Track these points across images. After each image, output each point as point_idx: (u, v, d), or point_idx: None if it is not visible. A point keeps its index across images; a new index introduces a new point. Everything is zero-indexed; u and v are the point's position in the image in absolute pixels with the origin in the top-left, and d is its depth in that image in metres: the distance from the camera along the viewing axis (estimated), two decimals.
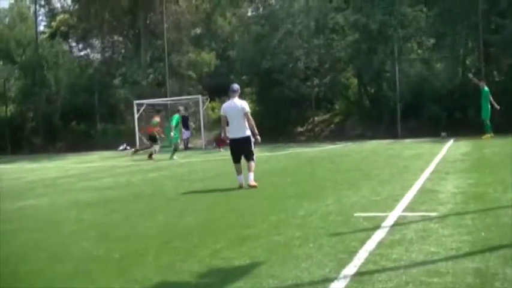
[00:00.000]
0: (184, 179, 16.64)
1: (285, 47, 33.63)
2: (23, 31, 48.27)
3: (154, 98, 35.75)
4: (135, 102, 34.61)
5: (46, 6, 51.85)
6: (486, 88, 25.44)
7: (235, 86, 13.61)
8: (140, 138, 34.18)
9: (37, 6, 47.76)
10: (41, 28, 49.39)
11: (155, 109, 31.17)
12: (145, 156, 25.54)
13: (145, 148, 27.39)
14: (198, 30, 45.38)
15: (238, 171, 13.16)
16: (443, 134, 26.32)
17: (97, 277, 6.41)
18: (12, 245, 8.54)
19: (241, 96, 13.65)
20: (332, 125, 33.97)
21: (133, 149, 28.79)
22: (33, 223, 10.42)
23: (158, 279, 6.13)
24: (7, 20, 53.97)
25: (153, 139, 25.59)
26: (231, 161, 13.52)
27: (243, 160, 13.26)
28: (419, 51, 31.70)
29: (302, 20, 33.82)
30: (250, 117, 13.21)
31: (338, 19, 32.75)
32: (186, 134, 32.39)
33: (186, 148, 32.14)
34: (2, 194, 15.90)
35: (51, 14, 51.08)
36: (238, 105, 13.16)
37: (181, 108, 27.63)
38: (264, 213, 9.62)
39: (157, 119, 26.55)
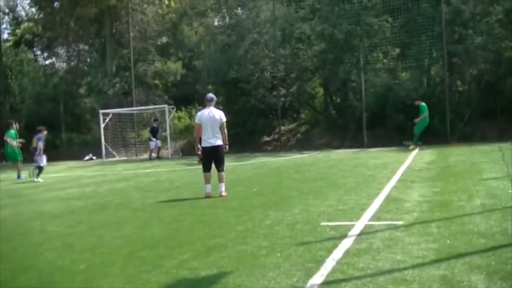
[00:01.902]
0: (150, 189, 16.54)
1: (252, 56, 33.65)
2: None
3: (121, 107, 35.55)
4: (101, 111, 34.38)
5: (10, 13, 51.41)
6: (423, 103, 26.01)
7: (211, 96, 13.64)
8: (106, 148, 33.96)
9: (0, 14, 47.27)
10: (5, 36, 48.90)
11: None
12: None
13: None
14: (165, 40, 45.30)
15: (207, 181, 13.13)
16: (406, 143, 26.55)
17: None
18: None
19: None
20: (298, 135, 34.02)
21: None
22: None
23: None
24: None
25: None
26: (201, 170, 13.49)
27: (212, 170, 13.22)
28: (385, 60, 31.94)
29: (268, 30, 33.91)
30: (224, 127, 13.22)
31: (304, 29, 32.84)
32: (154, 143, 32.29)
33: (158, 157, 32.01)
34: None
35: (16, 21, 50.63)
36: (214, 115, 13.16)
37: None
38: (231, 223, 9.60)
39: None
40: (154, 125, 33.02)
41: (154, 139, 32.30)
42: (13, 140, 23.51)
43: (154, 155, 32.50)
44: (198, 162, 25.36)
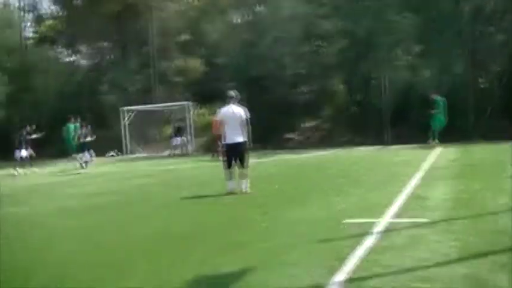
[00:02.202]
0: (173, 185, 16.61)
1: (273, 53, 33.58)
2: (9, 37, 47.91)
3: (143, 104, 35.65)
4: (123, 108, 34.51)
5: (33, 12, 51.65)
6: (438, 98, 25.56)
7: (232, 92, 13.62)
8: (131, 144, 34.15)
9: (23, 12, 47.55)
10: (28, 34, 49.13)
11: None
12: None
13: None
14: (186, 37, 45.32)
15: (229, 177, 13.13)
16: (429, 141, 26.36)
17: (81, 282, 6.40)
18: None
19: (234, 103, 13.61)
20: (320, 132, 33.91)
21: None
22: (15, 231, 10.32)
23: (147, 286, 6.11)
24: None
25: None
26: (222, 166, 13.50)
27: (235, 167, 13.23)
28: (407, 57, 31.74)
29: (290, 27, 33.82)
30: (248, 124, 13.22)
31: (325, 26, 32.73)
32: (178, 140, 32.53)
33: (182, 155, 32.11)
34: None
35: (38, 19, 50.86)
36: (236, 112, 13.17)
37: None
38: (253, 219, 9.60)
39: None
40: (181, 124, 33.23)
41: (177, 137, 32.54)
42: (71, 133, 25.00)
43: (177, 151, 32.65)
44: (212, 158, 25.62)
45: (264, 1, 35.71)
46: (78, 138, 24.97)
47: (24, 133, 27.71)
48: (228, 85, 31.15)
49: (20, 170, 26.00)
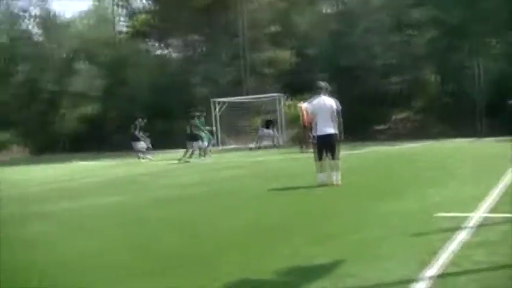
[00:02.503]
0: (264, 176, 16.75)
1: (363, 43, 33.30)
2: (104, 32, 49.28)
3: (233, 96, 35.99)
4: (214, 100, 34.97)
5: (126, 7, 52.92)
6: None
7: (322, 84, 13.60)
8: (222, 135, 34.61)
9: (117, 7, 48.77)
10: (122, 28, 50.39)
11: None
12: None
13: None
14: (276, 28, 45.42)
15: (320, 169, 13.13)
16: None
17: (178, 274, 6.55)
18: (97, 240, 8.79)
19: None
20: (411, 123, 33.44)
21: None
22: (116, 219, 10.70)
23: (238, 276, 6.19)
24: (88, 21, 55.23)
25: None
26: (313, 158, 13.51)
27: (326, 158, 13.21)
28: (501, 46, 30.86)
29: (380, 16, 33.44)
30: (339, 116, 13.18)
31: (416, 15, 32.20)
32: (265, 132, 32.79)
33: (275, 146, 32.32)
34: (86, 190, 16.39)
35: (131, 14, 52.08)
36: (326, 103, 13.13)
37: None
38: (344, 211, 9.63)
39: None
40: (270, 117, 33.43)
41: (265, 129, 32.81)
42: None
43: (264, 143, 32.88)
44: (301, 150, 25.64)
45: None
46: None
47: (138, 125, 29.17)
48: (318, 76, 31.14)
49: (144, 158, 28.16)
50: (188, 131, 25.91)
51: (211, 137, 28.02)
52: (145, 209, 11.64)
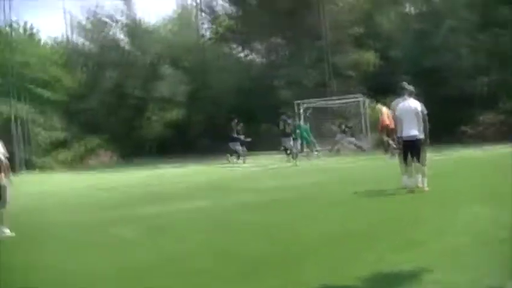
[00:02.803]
0: (350, 181, 16.66)
1: (449, 44, 32.65)
2: (187, 37, 49.99)
3: (317, 98, 35.90)
4: (297, 102, 34.99)
5: (209, 12, 53.60)
6: None
7: (407, 86, 13.46)
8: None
9: (200, 12, 49.40)
10: (205, 33, 50.99)
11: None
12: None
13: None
14: (359, 30, 45.07)
15: (405, 173, 13.00)
16: None
17: (262, 279, 6.65)
18: (183, 244, 8.97)
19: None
20: (499, 126, 32.46)
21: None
22: (201, 224, 10.88)
23: (322, 282, 6.26)
24: (172, 27, 56.15)
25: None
26: (398, 162, 13.37)
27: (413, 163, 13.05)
28: None
29: (466, 15, 32.68)
30: (426, 119, 13.01)
31: (504, 12, 31.32)
32: (343, 137, 32.86)
33: (360, 149, 32.19)
34: (172, 194, 16.70)
35: (215, 19, 52.68)
36: (411, 105, 13.01)
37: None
38: (430, 217, 9.51)
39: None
40: (348, 123, 33.37)
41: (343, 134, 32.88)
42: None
43: (341, 147, 32.85)
44: (386, 154, 25.41)
45: None
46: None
47: (234, 126, 30.26)
48: (402, 78, 30.70)
49: (237, 160, 29.09)
50: (282, 128, 26.99)
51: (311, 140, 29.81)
52: (230, 214, 11.80)
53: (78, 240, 10.14)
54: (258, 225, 10.18)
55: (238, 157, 29.59)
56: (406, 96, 13.16)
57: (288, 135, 26.21)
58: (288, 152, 26.41)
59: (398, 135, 13.29)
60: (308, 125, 31.76)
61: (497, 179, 14.24)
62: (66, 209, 15.16)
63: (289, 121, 27.32)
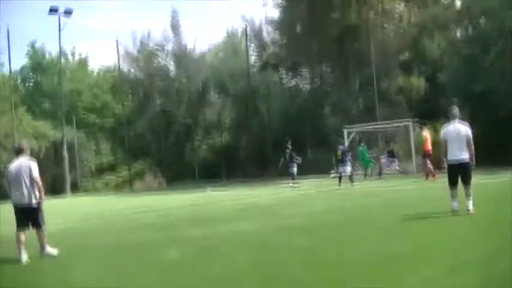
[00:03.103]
0: (395, 204, 16.50)
1: (498, 68, 32.21)
2: (235, 64, 50.51)
3: (364, 124, 35.73)
4: (345, 128, 34.90)
5: (257, 40, 54.14)
6: None
7: (455, 110, 13.37)
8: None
9: (248, 41, 49.85)
10: (252, 61, 51.42)
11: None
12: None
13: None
14: (406, 55, 44.90)
15: (453, 196, 12.83)
16: None
17: None
18: (227, 266, 8.98)
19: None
20: None
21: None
22: (246, 246, 10.88)
23: None
24: (221, 54, 56.84)
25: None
26: (447, 185, 13.20)
27: (459, 186, 12.88)
28: None
29: None
30: (471, 142, 12.87)
31: None
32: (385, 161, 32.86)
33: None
34: (217, 217, 16.78)
35: (261, 46, 53.16)
36: (460, 129, 12.90)
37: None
38: (477, 241, 9.34)
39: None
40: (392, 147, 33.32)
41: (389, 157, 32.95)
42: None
43: (391, 171, 32.75)
44: (427, 179, 25.28)
45: (486, 13, 34.30)
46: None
47: (289, 149, 30.75)
48: (449, 102, 30.37)
49: (294, 185, 29.00)
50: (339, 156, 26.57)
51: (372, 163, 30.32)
52: (274, 237, 11.76)
53: (126, 262, 10.26)
54: (301, 248, 10.15)
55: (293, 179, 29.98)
56: (455, 120, 13.05)
57: (343, 161, 26.26)
58: (340, 177, 26.35)
59: (448, 158, 13.11)
60: (365, 147, 31.82)
61: None
62: (112, 231, 15.33)
63: (341, 147, 27.35)
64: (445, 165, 13.28)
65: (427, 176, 26.05)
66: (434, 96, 38.67)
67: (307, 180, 32.60)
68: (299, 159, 30.25)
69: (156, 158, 48.55)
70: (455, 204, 12.70)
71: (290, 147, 30.53)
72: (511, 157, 31.27)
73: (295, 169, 30.01)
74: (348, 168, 26.32)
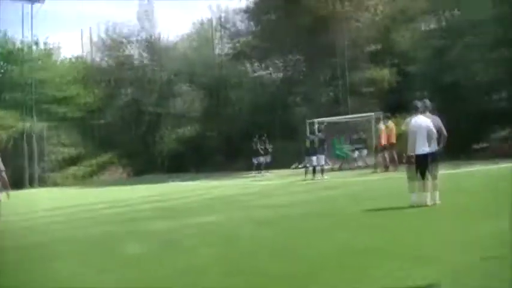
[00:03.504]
0: (359, 197, 16.55)
1: (466, 60, 32.38)
2: (206, 54, 50.26)
3: (333, 116, 35.76)
4: (314, 120, 34.86)
5: (228, 29, 53.96)
6: None
7: (419, 103, 13.52)
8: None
9: (219, 29, 49.62)
10: (224, 50, 51.19)
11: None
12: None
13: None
14: (377, 46, 45.02)
15: (413, 189, 12.89)
16: None
17: None
18: (193, 259, 8.90)
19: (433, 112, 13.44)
20: None
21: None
22: (212, 238, 10.81)
23: None
24: (193, 43, 56.52)
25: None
26: (407, 178, 13.24)
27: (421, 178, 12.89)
28: None
29: (483, 31, 32.44)
30: (433, 135, 12.88)
31: None
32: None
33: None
34: (183, 209, 16.68)
35: (233, 36, 52.98)
36: (422, 122, 13.00)
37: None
38: (441, 233, 9.38)
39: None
40: (358, 136, 32.99)
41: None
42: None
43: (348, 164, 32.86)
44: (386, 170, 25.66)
45: (457, 5, 34.42)
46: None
47: (260, 140, 32.10)
48: (418, 94, 30.48)
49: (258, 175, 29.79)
50: (308, 145, 26.77)
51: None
52: (240, 229, 11.72)
53: (88, 255, 10.14)
54: (266, 240, 10.14)
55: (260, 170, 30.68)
56: (418, 113, 13.11)
57: (317, 152, 26.28)
58: (308, 168, 26.32)
59: (409, 151, 13.15)
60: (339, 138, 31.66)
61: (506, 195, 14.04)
62: (76, 224, 15.16)
63: (316, 136, 27.37)
64: (406, 159, 13.33)
65: (386, 168, 26.27)
66: (403, 88, 38.87)
67: (275, 171, 32.68)
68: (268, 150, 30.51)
69: (124, 149, 48.25)
70: (413, 197, 12.80)
71: (259, 139, 30.84)
72: (480, 149, 31.65)
73: (262, 159, 30.22)
74: (322, 159, 26.47)
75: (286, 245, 9.48)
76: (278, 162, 33.83)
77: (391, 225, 10.82)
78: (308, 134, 28.35)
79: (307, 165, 26.34)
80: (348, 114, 36.00)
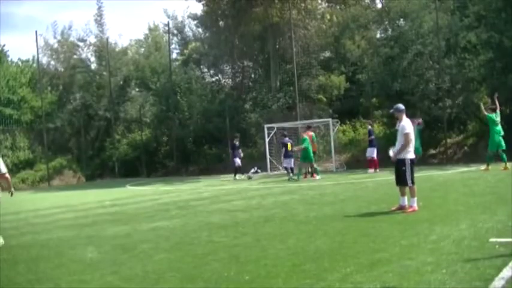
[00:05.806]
0: (315, 202, 16.65)
1: (416, 68, 32.88)
2: (157, 59, 50.13)
3: (285, 121, 35.97)
4: (266, 126, 35.02)
5: (178, 35, 53.93)
6: (490, 114, 24.27)
7: (399, 107, 13.68)
8: (271, 162, 34.61)
9: (170, 36, 49.50)
10: (174, 56, 51.16)
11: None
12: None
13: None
14: (327, 54, 45.50)
15: (401, 193, 13.13)
16: None
17: None
18: (148, 264, 8.87)
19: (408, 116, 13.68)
20: (465, 147, 32.83)
21: None
22: (166, 244, 10.78)
23: None
24: (142, 49, 56.29)
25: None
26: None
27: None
28: None
29: (432, 40, 33.06)
30: (407, 138, 13.02)
31: (470, 38, 31.72)
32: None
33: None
34: (137, 214, 16.57)
35: (184, 42, 52.97)
36: (399, 126, 13.34)
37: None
38: (396, 237, 9.49)
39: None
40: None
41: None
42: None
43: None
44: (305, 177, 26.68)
45: (405, 15, 35.02)
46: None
47: (236, 143, 32.42)
48: (371, 101, 30.89)
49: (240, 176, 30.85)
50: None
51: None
52: (194, 233, 11.71)
53: (42, 261, 10.00)
54: (221, 245, 10.11)
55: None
56: (398, 119, 13.55)
57: (290, 155, 27.87)
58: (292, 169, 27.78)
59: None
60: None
61: (460, 199, 14.36)
62: (27, 229, 14.91)
63: (289, 140, 28.69)
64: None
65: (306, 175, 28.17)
66: (354, 95, 39.34)
67: (226, 176, 32.74)
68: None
69: (75, 154, 47.79)
70: (404, 200, 13.03)
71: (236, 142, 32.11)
72: (427, 155, 32.21)
73: (237, 162, 31.64)
74: (292, 162, 27.79)
75: (242, 250, 9.48)
76: (232, 168, 33.84)
77: (346, 229, 10.92)
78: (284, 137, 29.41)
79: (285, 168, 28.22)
80: (300, 120, 36.21)
